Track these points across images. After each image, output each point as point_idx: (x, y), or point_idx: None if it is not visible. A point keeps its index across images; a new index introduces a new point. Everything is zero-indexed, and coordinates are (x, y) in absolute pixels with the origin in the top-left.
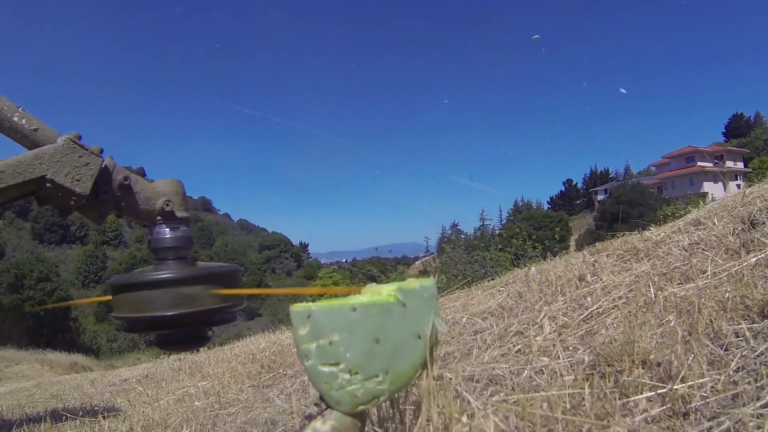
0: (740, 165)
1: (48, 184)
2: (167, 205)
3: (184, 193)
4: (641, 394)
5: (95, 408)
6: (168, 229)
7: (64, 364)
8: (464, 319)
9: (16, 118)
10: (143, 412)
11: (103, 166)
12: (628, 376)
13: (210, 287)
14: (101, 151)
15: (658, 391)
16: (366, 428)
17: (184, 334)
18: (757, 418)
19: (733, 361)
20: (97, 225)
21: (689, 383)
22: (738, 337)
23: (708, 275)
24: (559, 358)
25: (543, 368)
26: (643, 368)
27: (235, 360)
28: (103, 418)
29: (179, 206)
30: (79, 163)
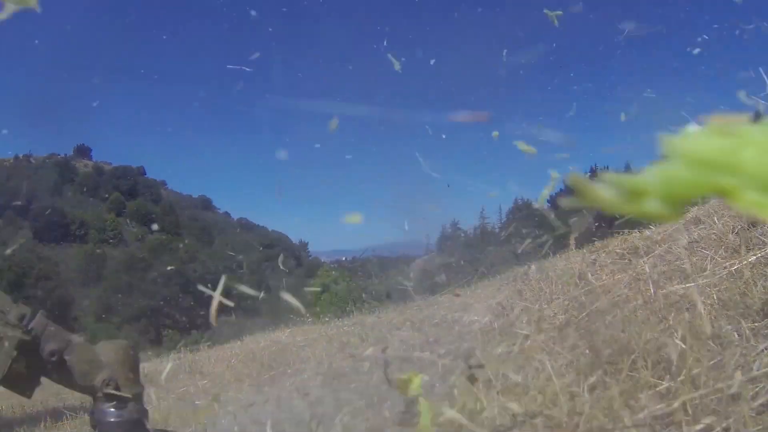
0: None
1: None
2: (107, 385)
3: (133, 360)
4: (642, 391)
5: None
6: (113, 410)
7: None
8: (465, 318)
9: None
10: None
11: (27, 338)
12: (628, 374)
13: None
14: (23, 318)
15: (659, 389)
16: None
17: None
18: (758, 415)
19: (733, 359)
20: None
21: (690, 381)
22: (738, 335)
23: (708, 274)
24: (560, 355)
25: (544, 366)
26: (643, 366)
27: (235, 359)
28: None
29: (126, 380)
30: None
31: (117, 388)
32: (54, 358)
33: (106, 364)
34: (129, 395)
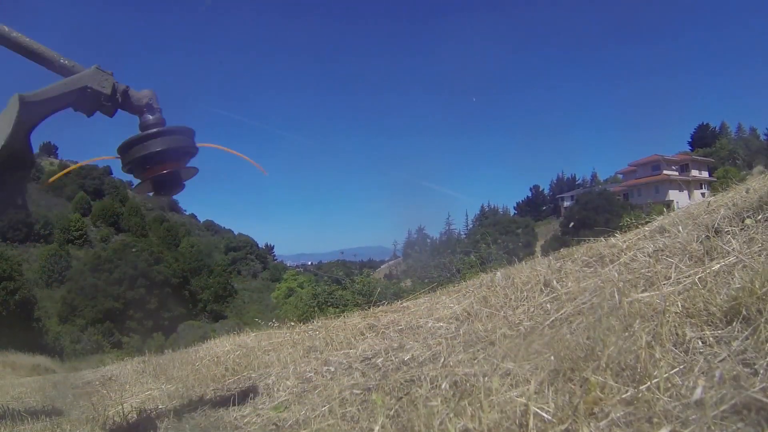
0: (705, 174)
1: (88, 90)
2: (150, 100)
3: (156, 97)
4: (606, 398)
5: (57, 411)
6: (150, 116)
7: (26, 365)
8: (429, 323)
9: (62, 61)
10: (106, 415)
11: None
12: (593, 381)
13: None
14: (112, 74)
15: (623, 396)
16: None
17: (168, 177)
18: (721, 421)
19: (696, 366)
20: (108, 116)
21: (654, 388)
22: (702, 342)
23: (672, 281)
24: (524, 362)
25: (508, 372)
26: (608, 373)
27: (200, 362)
28: (65, 421)
29: (155, 108)
30: (103, 78)
31: (153, 105)
32: (127, 90)
33: (145, 96)
34: (157, 108)
